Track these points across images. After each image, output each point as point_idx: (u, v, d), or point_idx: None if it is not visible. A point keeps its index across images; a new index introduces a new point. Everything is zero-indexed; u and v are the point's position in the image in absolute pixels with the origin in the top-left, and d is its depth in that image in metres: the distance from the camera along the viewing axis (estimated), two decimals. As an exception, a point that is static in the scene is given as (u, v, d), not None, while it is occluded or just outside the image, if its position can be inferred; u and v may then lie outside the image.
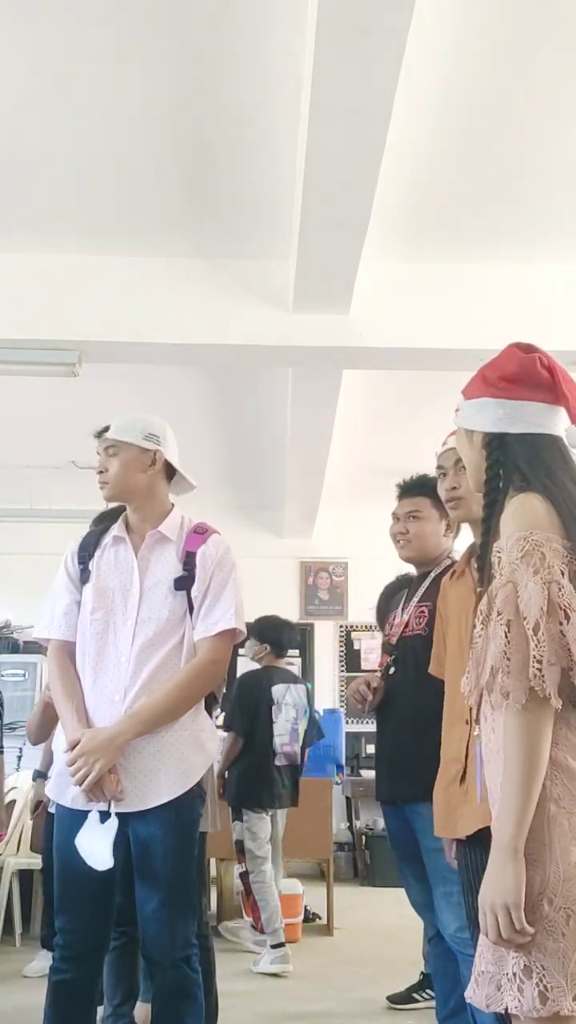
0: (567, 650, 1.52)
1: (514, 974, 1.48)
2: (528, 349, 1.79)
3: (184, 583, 2.47)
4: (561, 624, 1.53)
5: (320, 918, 5.41)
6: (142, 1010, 3.06)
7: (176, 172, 3.39)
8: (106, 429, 2.60)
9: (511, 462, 1.73)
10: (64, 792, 2.40)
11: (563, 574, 1.56)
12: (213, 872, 5.36)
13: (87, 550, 2.57)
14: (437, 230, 3.76)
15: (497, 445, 1.76)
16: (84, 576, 2.53)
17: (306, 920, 5.20)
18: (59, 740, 2.49)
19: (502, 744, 1.59)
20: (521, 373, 1.75)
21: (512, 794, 1.52)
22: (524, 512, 1.63)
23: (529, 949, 1.47)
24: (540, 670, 1.50)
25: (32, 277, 3.93)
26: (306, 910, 5.25)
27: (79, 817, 2.34)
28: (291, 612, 8.11)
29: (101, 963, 2.44)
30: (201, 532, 2.56)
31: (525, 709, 1.51)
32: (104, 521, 2.87)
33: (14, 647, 7.09)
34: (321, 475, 6.16)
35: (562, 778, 1.54)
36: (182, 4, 2.61)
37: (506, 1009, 1.50)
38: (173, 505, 2.62)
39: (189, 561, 2.49)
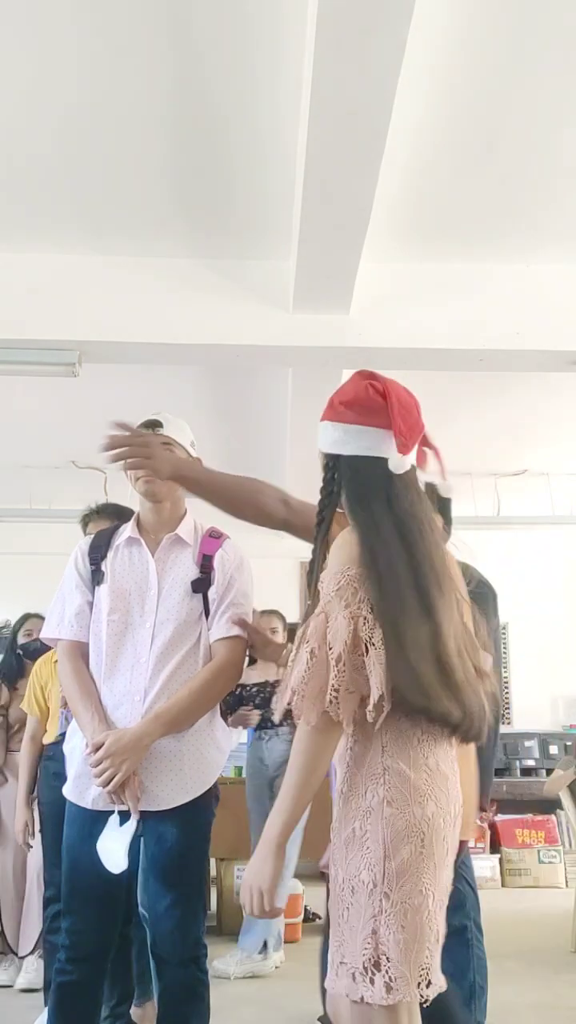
0: (366, 679, 1.67)
1: (365, 967, 1.63)
2: (366, 376, 1.92)
3: (201, 585, 2.49)
4: (362, 656, 1.68)
5: (320, 918, 5.41)
6: (150, 1008, 3.06)
7: (176, 172, 3.39)
8: (155, 423, 2.58)
9: (338, 481, 1.89)
10: (84, 793, 2.40)
11: (372, 608, 1.70)
12: (213, 872, 5.37)
13: (99, 551, 2.57)
14: (437, 230, 3.76)
15: (332, 465, 1.91)
16: (97, 577, 2.53)
17: (306, 920, 5.21)
18: (74, 741, 2.48)
19: (341, 753, 1.78)
20: (356, 399, 1.89)
21: (286, 798, 1.71)
22: (345, 548, 1.77)
23: (374, 942, 1.63)
24: (336, 697, 1.66)
25: (32, 277, 3.92)
26: (306, 910, 5.25)
27: (98, 819, 2.34)
28: (291, 612, 8.11)
29: (106, 964, 2.44)
30: (216, 536, 2.59)
31: (315, 729, 1.68)
32: (101, 516, 2.86)
33: (14, 647, 7.09)
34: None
35: (395, 781, 1.69)
36: (182, 4, 2.61)
37: (361, 997, 1.64)
38: (186, 509, 2.64)
39: (206, 564, 2.52)
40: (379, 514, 1.80)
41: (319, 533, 1.92)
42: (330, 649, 1.68)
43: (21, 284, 3.92)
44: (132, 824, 2.31)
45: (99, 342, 3.95)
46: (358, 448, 1.87)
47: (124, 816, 2.32)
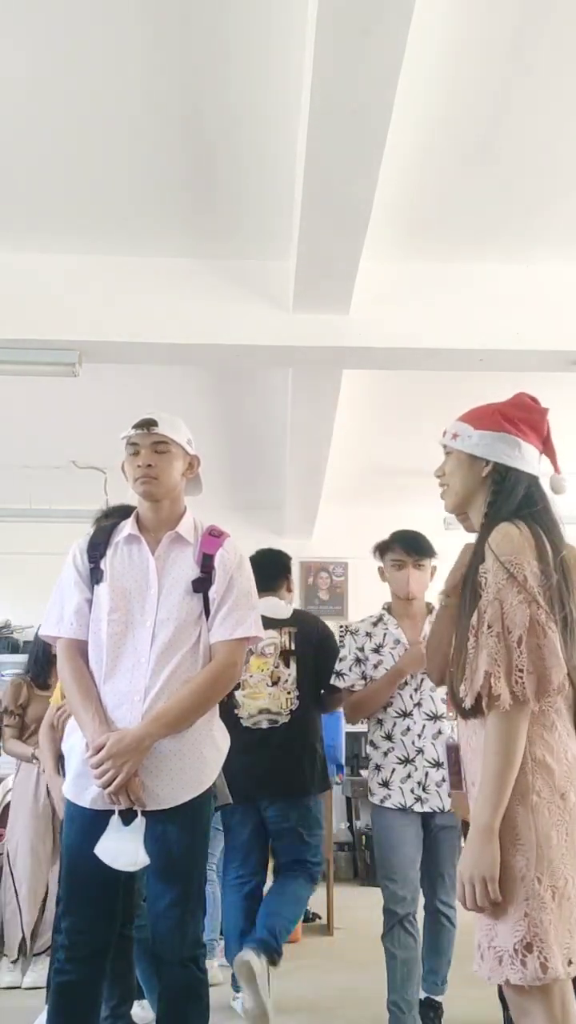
0: (543, 661, 1.79)
1: (516, 950, 1.71)
2: (537, 402, 2.13)
3: (202, 585, 2.48)
4: (538, 639, 1.80)
5: (320, 918, 5.42)
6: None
7: (176, 172, 3.39)
8: (150, 422, 2.56)
9: (513, 492, 2.02)
10: (83, 793, 2.39)
11: (540, 594, 1.82)
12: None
13: (98, 549, 2.55)
14: (437, 230, 3.76)
15: (502, 476, 2.04)
16: (96, 575, 2.52)
17: (306, 920, 5.20)
18: (73, 740, 2.48)
19: (476, 745, 1.87)
20: (534, 421, 2.09)
21: (490, 783, 1.77)
22: (508, 539, 1.90)
23: (526, 925, 1.71)
24: (521, 677, 1.77)
25: (32, 277, 3.92)
26: (306, 910, 5.25)
27: (97, 818, 2.34)
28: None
29: (105, 964, 2.43)
30: (217, 535, 2.57)
31: (509, 711, 1.78)
32: (111, 518, 2.85)
33: (14, 647, 7.10)
34: (321, 475, 6.16)
35: (541, 773, 1.79)
36: (182, 4, 2.61)
37: (506, 980, 1.73)
38: (186, 507, 2.63)
39: (206, 563, 2.50)
40: (545, 522, 1.98)
41: (483, 542, 1.99)
42: (509, 633, 1.80)
43: (21, 284, 3.92)
44: (140, 821, 2.31)
45: (99, 342, 3.95)
46: (529, 465, 2.07)
47: (124, 815, 2.32)
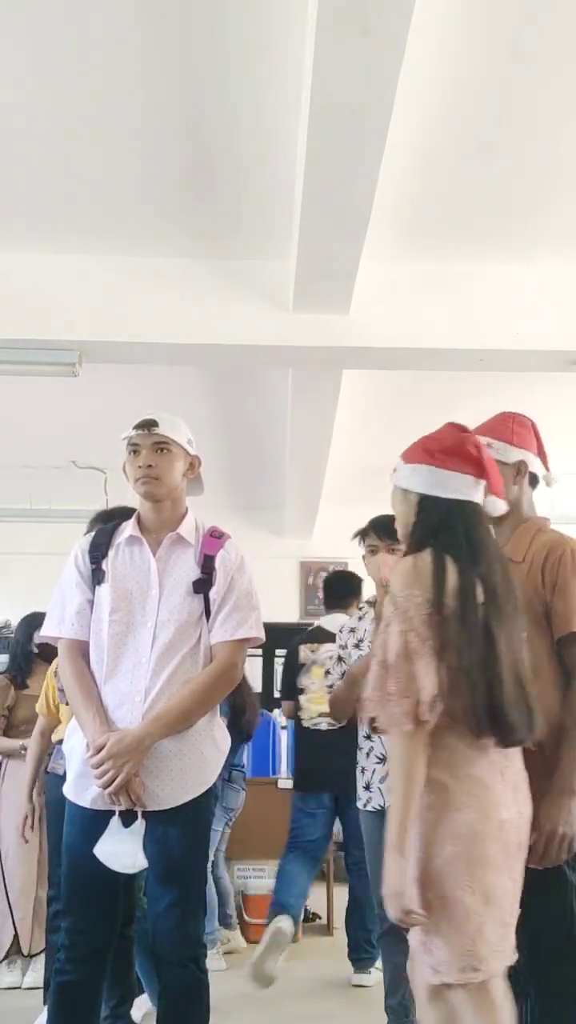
0: (415, 684, 1.88)
1: (415, 952, 1.89)
2: (463, 429, 2.20)
3: (202, 586, 2.48)
4: (411, 665, 1.90)
5: (320, 918, 5.42)
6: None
7: (176, 172, 3.39)
8: (151, 423, 2.55)
9: (429, 521, 2.11)
10: (83, 793, 2.39)
11: (423, 622, 1.92)
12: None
13: (99, 549, 2.54)
14: (437, 230, 3.76)
15: (423, 506, 2.14)
16: (97, 576, 2.51)
17: (306, 920, 5.20)
18: (74, 740, 2.48)
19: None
20: (455, 448, 2.14)
21: (392, 802, 1.89)
22: (401, 573, 2.03)
23: (427, 930, 1.85)
24: (394, 701, 1.89)
25: (32, 277, 3.92)
26: (306, 910, 5.24)
27: (97, 818, 2.33)
28: (291, 612, 8.11)
29: (106, 964, 2.42)
30: (218, 536, 2.57)
31: (397, 733, 1.89)
32: (111, 520, 2.85)
33: (14, 647, 7.08)
34: (321, 475, 6.16)
35: (437, 791, 1.88)
36: (182, 4, 2.61)
37: (418, 976, 1.91)
38: (187, 508, 2.62)
39: (207, 564, 2.49)
40: (456, 547, 2.05)
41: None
42: (386, 660, 1.93)
43: (21, 284, 3.92)
44: (141, 823, 2.31)
45: (99, 342, 3.95)
46: (455, 492, 2.12)
47: (124, 816, 2.32)
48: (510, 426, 2.40)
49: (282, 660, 8.13)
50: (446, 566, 2.00)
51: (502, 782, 1.93)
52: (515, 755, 1.98)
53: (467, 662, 1.92)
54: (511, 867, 1.91)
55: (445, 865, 1.84)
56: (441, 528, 2.09)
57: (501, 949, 1.86)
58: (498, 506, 2.17)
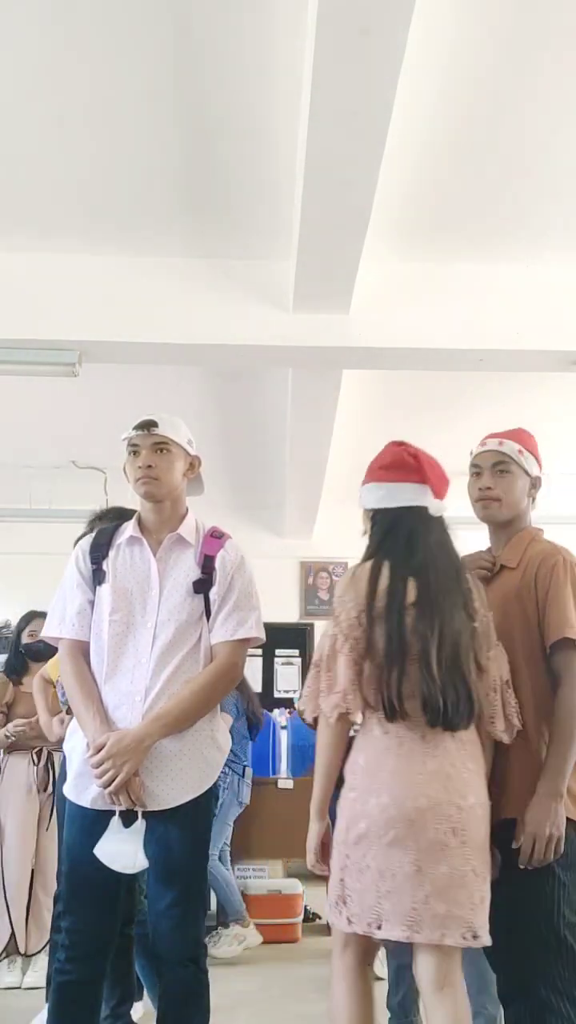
0: (336, 683, 2.17)
1: (334, 902, 2.17)
2: (399, 444, 2.39)
3: (203, 586, 2.48)
4: (333, 665, 2.19)
5: (320, 918, 5.41)
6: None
7: (176, 172, 3.39)
8: (151, 423, 2.56)
9: (383, 529, 2.30)
10: (83, 793, 2.39)
11: (352, 627, 2.18)
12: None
13: (100, 550, 2.55)
14: (437, 230, 3.76)
15: (378, 518, 2.33)
16: (98, 576, 2.52)
17: (306, 920, 5.20)
18: (74, 740, 2.48)
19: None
20: (394, 462, 2.34)
21: (315, 779, 2.25)
22: (340, 583, 2.30)
23: (346, 886, 2.14)
24: (318, 697, 2.20)
25: (32, 277, 3.92)
26: (306, 910, 5.25)
27: (97, 818, 2.34)
28: (291, 612, 8.12)
29: (106, 964, 2.43)
30: (218, 536, 2.57)
31: (319, 723, 2.22)
32: (104, 520, 2.85)
33: (14, 647, 7.08)
34: (321, 475, 6.16)
35: (356, 772, 2.17)
36: (182, 4, 2.61)
37: (332, 923, 2.20)
38: (187, 508, 2.63)
39: (208, 564, 2.50)
40: (395, 551, 2.25)
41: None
42: (318, 661, 2.23)
43: (21, 284, 3.92)
44: (141, 824, 2.31)
45: (99, 342, 3.95)
46: (400, 501, 2.31)
47: (125, 816, 2.33)
48: (533, 443, 2.59)
49: (282, 660, 8.17)
50: (381, 571, 2.21)
51: (423, 772, 2.11)
52: (451, 746, 2.14)
53: (382, 657, 2.14)
54: (431, 851, 2.07)
55: (360, 839, 2.12)
56: (387, 536, 2.29)
57: (399, 920, 2.07)
58: (440, 507, 2.34)
